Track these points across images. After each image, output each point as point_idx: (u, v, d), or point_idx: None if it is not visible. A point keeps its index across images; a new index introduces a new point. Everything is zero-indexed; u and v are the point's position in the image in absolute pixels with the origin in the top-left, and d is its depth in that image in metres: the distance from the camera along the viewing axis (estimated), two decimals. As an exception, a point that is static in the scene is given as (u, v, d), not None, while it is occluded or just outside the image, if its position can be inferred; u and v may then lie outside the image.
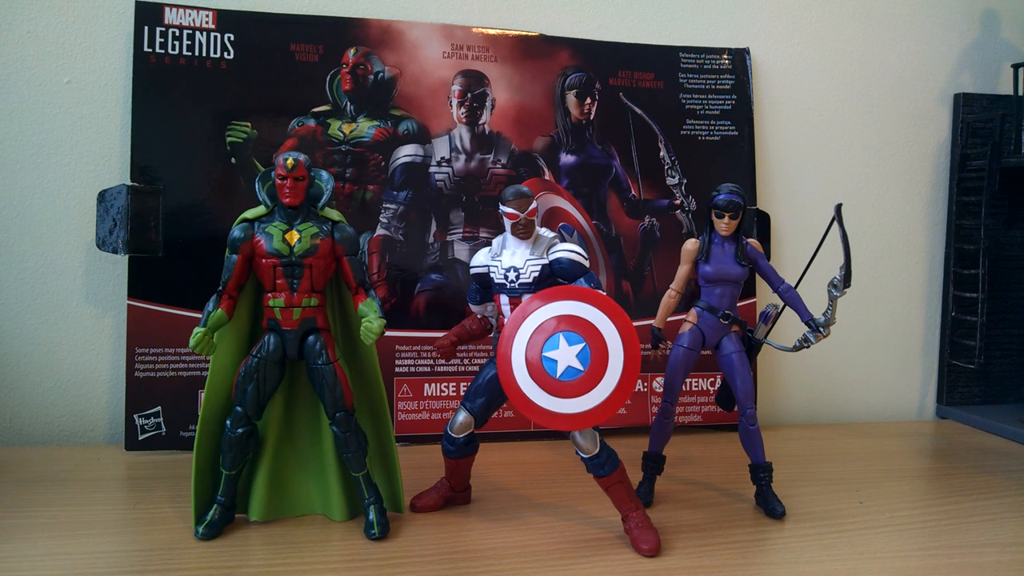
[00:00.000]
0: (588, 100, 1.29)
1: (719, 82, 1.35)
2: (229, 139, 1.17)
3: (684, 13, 1.37)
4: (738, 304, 0.97)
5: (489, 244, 0.90)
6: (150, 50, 1.15)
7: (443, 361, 1.21)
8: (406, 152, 1.22)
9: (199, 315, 0.83)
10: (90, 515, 0.89)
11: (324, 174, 0.86)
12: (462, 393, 1.19)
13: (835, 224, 0.91)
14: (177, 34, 1.15)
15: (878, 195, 1.46)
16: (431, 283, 1.22)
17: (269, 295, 0.84)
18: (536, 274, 0.85)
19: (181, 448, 1.13)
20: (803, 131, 1.42)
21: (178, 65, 1.15)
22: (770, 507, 0.94)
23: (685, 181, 1.32)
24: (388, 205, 1.21)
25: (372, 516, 0.85)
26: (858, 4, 1.44)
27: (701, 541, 0.86)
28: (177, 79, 1.15)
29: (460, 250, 1.23)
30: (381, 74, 1.22)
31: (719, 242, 0.95)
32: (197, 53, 1.16)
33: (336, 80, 1.21)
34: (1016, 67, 1.39)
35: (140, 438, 1.13)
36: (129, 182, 1.13)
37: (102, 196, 1.13)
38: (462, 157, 1.24)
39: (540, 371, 0.80)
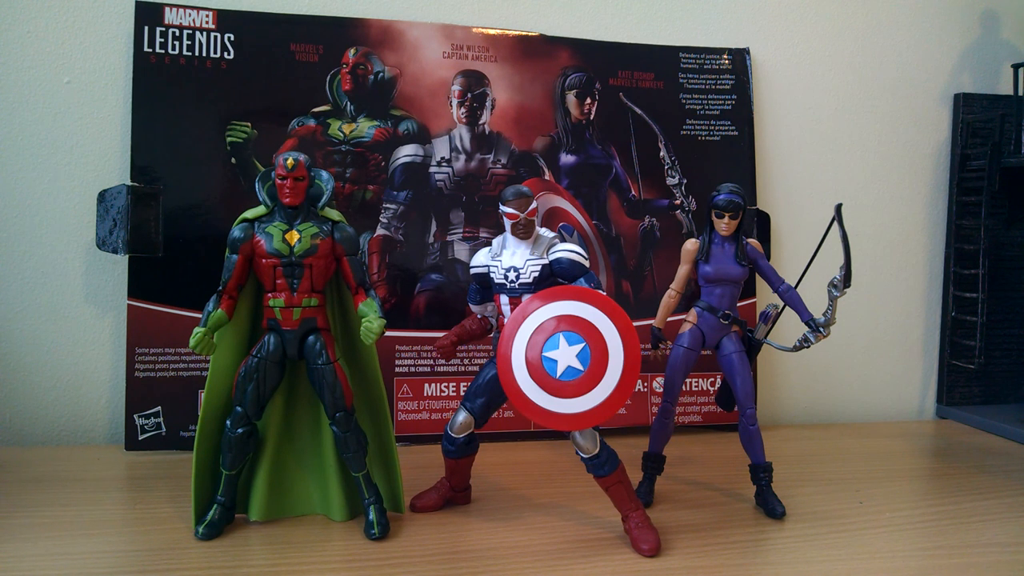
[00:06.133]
0: (588, 100, 1.29)
1: (719, 82, 1.35)
2: (229, 139, 1.17)
3: (684, 13, 1.37)
4: (738, 304, 0.97)
5: (489, 244, 0.90)
6: (150, 50, 1.15)
7: (443, 361, 1.21)
8: (406, 152, 1.22)
9: (199, 315, 0.83)
10: (90, 515, 0.89)
11: (324, 174, 0.86)
12: (462, 393, 1.19)
13: (835, 224, 0.91)
14: (177, 34, 1.15)
15: (878, 195, 1.46)
16: (431, 283, 1.22)
17: (269, 295, 0.84)
18: (536, 274, 0.85)
19: (181, 448, 1.13)
20: (803, 131, 1.42)
21: (178, 65, 1.15)
22: (770, 507, 0.94)
23: (685, 181, 1.32)
24: (388, 205, 1.21)
25: (372, 516, 0.85)
26: (858, 4, 1.44)
27: (701, 541, 0.86)
28: (177, 79, 1.15)
29: (460, 250, 1.23)
30: (381, 74, 1.22)
31: (719, 242, 0.95)
32: (197, 53, 1.16)
33: (336, 80, 1.21)
34: (1016, 67, 1.39)
35: (140, 438, 1.13)
36: (129, 182, 1.13)
37: (102, 196, 1.13)
38: (462, 157, 1.24)
39: (540, 371, 0.80)
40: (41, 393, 1.19)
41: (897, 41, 1.46)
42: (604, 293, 0.82)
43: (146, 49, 1.14)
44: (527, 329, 0.81)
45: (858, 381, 1.47)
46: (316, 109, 1.20)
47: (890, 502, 1.00)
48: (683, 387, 1.06)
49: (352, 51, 1.21)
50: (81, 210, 1.18)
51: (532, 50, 1.28)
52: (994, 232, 1.46)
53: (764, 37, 1.40)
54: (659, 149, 1.31)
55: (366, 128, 1.21)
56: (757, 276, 1.10)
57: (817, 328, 0.93)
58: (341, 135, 1.20)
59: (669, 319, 0.98)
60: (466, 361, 1.23)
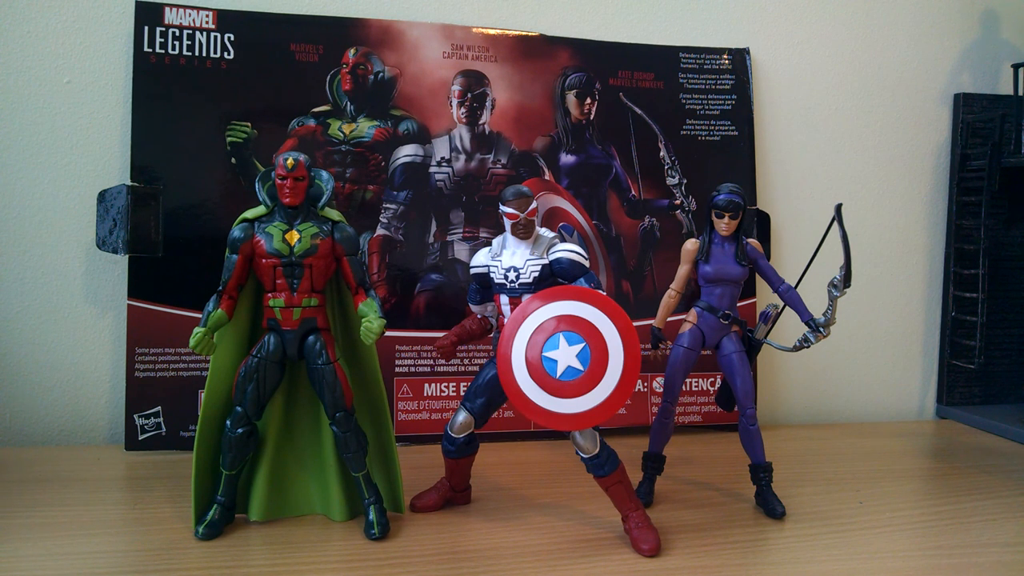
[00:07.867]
0: (588, 100, 1.29)
1: (719, 82, 1.35)
2: (229, 139, 1.17)
3: (684, 13, 1.38)
4: (738, 304, 0.97)
5: (489, 244, 0.90)
6: (150, 50, 1.15)
7: (443, 361, 1.21)
8: (406, 152, 1.22)
9: (199, 315, 0.83)
10: (90, 515, 0.89)
11: (324, 174, 0.86)
12: (462, 393, 1.19)
13: (835, 224, 0.91)
14: (177, 34, 1.15)
15: (878, 195, 1.46)
16: (431, 283, 1.22)
17: (269, 295, 0.84)
18: (536, 274, 0.85)
19: (181, 448, 1.13)
20: (803, 131, 1.42)
21: (178, 65, 1.15)
22: (770, 507, 0.94)
23: (685, 181, 1.32)
24: (388, 205, 1.21)
25: (372, 516, 0.85)
26: (858, 4, 1.44)
27: (701, 541, 0.86)
28: (177, 79, 1.15)
29: (460, 250, 1.23)
30: (381, 74, 1.22)
31: (719, 242, 0.95)
32: (197, 53, 1.16)
33: (336, 80, 1.21)
34: (1016, 67, 1.39)
35: (140, 438, 1.13)
36: (129, 182, 1.13)
37: (102, 196, 1.13)
38: (462, 157, 1.24)
39: (540, 371, 0.80)
40: (41, 393, 1.19)
41: (897, 41, 1.46)
42: (604, 293, 0.82)
43: (146, 49, 1.14)
44: (527, 329, 0.81)
45: (858, 381, 1.47)
46: (316, 109, 1.20)
47: (890, 502, 1.00)
48: (683, 387, 1.06)
49: (352, 51, 1.21)
50: (81, 210, 1.18)
51: (532, 50, 1.28)
52: (994, 232, 1.46)
53: (764, 37, 1.40)
54: (659, 149, 1.31)
55: (366, 128, 1.21)
56: (757, 276, 1.10)
57: (817, 328, 0.93)
58: (341, 135, 1.20)
59: (669, 319, 0.98)
60: (466, 361, 1.23)
